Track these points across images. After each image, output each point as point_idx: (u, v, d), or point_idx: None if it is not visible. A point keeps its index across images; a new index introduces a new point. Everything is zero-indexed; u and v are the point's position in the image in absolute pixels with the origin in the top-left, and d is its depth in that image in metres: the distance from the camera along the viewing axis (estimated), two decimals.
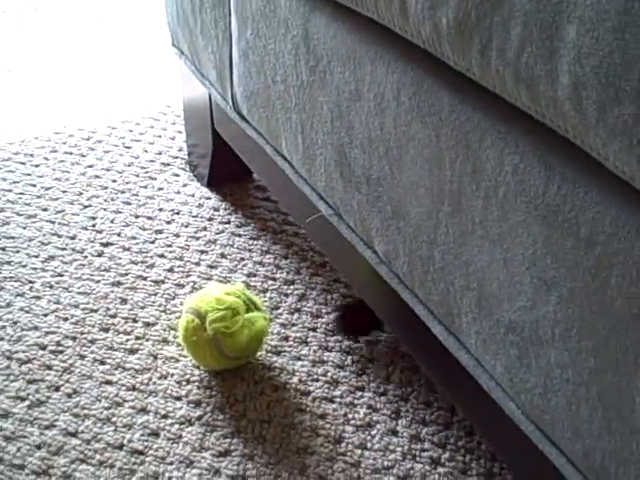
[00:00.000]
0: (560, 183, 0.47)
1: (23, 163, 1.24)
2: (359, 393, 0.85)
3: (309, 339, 0.92)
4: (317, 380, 0.87)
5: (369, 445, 0.80)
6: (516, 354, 0.55)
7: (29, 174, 1.21)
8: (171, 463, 0.77)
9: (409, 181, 0.62)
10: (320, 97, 0.73)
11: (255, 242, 1.08)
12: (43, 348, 0.89)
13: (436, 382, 0.71)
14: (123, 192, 1.18)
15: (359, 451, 0.79)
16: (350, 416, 0.83)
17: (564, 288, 0.49)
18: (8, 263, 1.02)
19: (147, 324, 0.93)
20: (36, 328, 0.92)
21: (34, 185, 1.18)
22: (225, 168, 1.19)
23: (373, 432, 0.81)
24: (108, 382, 0.85)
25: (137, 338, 0.91)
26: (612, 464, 0.49)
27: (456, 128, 0.55)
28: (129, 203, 1.15)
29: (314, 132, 0.76)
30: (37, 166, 1.23)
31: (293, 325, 0.94)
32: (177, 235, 1.09)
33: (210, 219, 1.13)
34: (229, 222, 1.12)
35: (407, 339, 0.75)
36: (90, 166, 1.24)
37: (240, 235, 1.09)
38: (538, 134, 0.49)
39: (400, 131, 0.62)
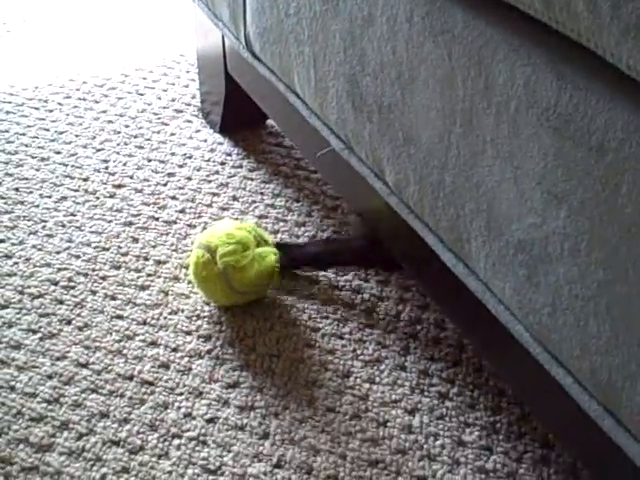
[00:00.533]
0: (572, 92, 0.46)
1: (37, 108, 1.24)
2: (368, 330, 0.86)
3: (320, 278, 0.92)
4: (327, 317, 0.87)
5: (377, 379, 0.80)
6: (525, 274, 0.55)
7: (43, 119, 1.21)
8: (180, 394, 0.77)
9: (420, 105, 0.62)
10: (333, 26, 0.72)
11: (267, 185, 1.08)
12: (55, 284, 0.89)
13: (445, 312, 0.71)
14: (136, 137, 1.18)
15: (367, 385, 0.79)
16: (359, 352, 0.83)
17: (574, 200, 0.48)
18: (21, 203, 1.02)
19: (158, 262, 0.93)
20: (48, 265, 0.92)
21: (47, 129, 1.18)
22: (237, 114, 1.19)
23: (382, 367, 0.81)
24: (119, 317, 0.86)
25: (148, 275, 0.91)
26: (619, 379, 0.49)
27: (469, 44, 0.54)
28: (142, 147, 1.15)
29: (326, 64, 0.76)
30: (51, 111, 1.23)
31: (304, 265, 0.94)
32: (189, 178, 1.09)
33: (222, 163, 1.12)
34: (241, 166, 1.12)
35: (417, 270, 0.75)
36: (103, 112, 1.24)
37: (252, 179, 1.09)
38: (550, 45, 0.48)
39: (412, 53, 0.61)
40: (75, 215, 1.00)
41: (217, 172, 1.10)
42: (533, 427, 0.76)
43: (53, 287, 0.89)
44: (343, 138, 0.78)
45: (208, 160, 1.13)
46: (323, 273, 0.93)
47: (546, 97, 0.48)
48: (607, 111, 0.44)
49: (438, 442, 0.74)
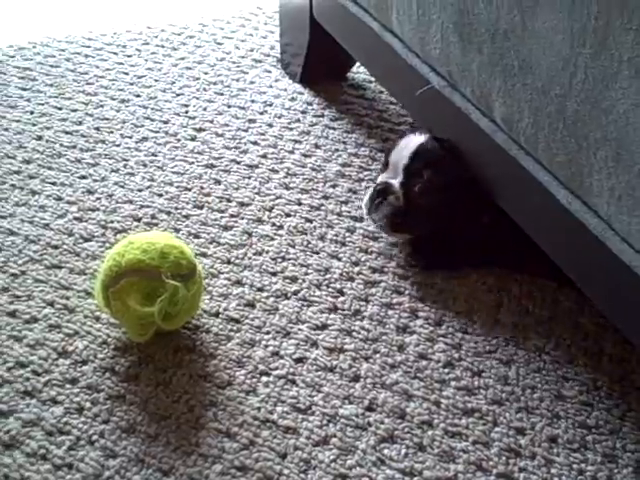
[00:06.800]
0: None
1: (115, 53, 1.22)
2: (459, 281, 0.82)
3: None
4: (415, 266, 0.84)
5: (470, 330, 0.77)
6: None
7: (121, 63, 1.19)
8: (267, 332, 0.75)
9: (543, 28, 0.58)
10: None
11: (350, 135, 1.05)
12: (138, 220, 0.88)
13: (555, 257, 0.67)
14: (215, 84, 1.15)
15: (460, 334, 0.76)
16: (450, 302, 0.80)
17: None
18: (102, 142, 1.01)
19: (241, 204, 0.91)
20: (131, 202, 0.91)
21: (127, 73, 1.17)
22: (319, 66, 1.16)
23: (474, 318, 0.78)
24: (203, 254, 0.84)
25: (231, 216, 0.89)
26: None
27: None
28: (221, 94, 1.13)
29: None
30: (129, 56, 1.22)
31: None
32: (270, 125, 1.06)
33: (303, 112, 1.09)
34: (323, 116, 1.09)
35: (522, 211, 0.71)
36: (182, 59, 1.22)
37: (334, 128, 1.06)
38: None
39: None
40: (156, 155, 0.99)
41: (298, 120, 1.08)
42: (637, 387, 0.72)
43: (136, 223, 0.87)
44: (445, 74, 0.75)
45: (289, 109, 1.10)
46: None
47: None
48: None
49: (536, 395, 0.71)
